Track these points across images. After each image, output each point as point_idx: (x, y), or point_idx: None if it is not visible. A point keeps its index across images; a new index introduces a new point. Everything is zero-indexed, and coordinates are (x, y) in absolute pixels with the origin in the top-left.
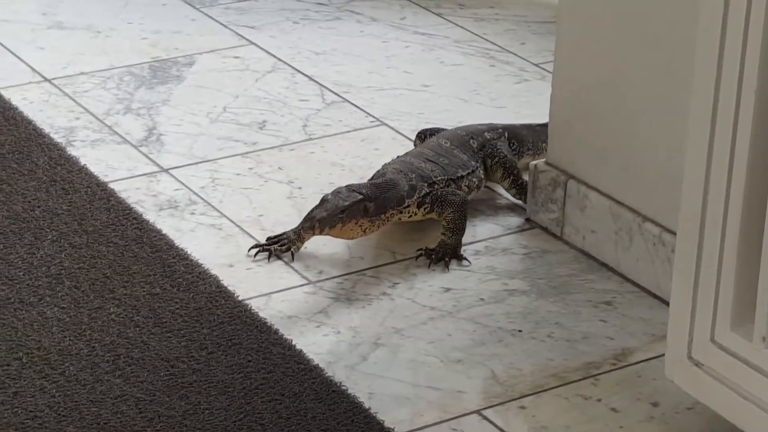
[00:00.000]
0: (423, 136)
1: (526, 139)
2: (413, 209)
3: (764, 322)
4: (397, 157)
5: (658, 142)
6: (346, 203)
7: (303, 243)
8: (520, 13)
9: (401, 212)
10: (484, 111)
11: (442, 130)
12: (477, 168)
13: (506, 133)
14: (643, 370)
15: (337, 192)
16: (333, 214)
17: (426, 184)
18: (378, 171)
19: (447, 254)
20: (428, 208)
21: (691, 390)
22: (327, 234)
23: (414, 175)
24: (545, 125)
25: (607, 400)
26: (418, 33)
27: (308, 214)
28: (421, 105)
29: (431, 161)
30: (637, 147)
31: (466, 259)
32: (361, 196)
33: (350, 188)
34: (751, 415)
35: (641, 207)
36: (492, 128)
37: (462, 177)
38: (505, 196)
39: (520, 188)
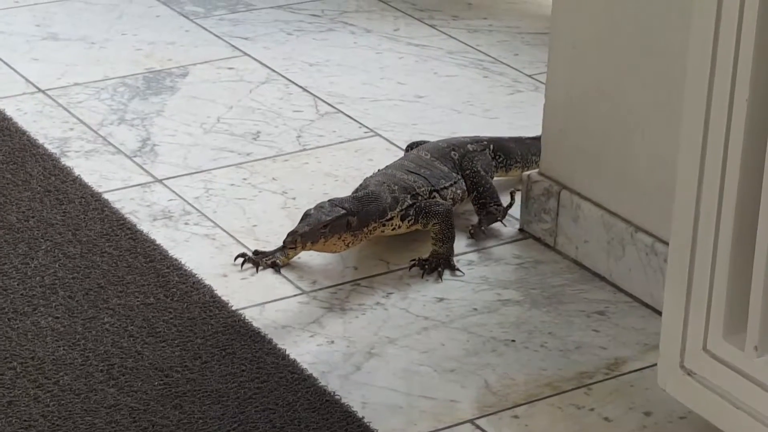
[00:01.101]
0: (411, 148)
1: (513, 151)
2: (396, 222)
3: (756, 331)
4: (379, 170)
5: (651, 153)
6: (329, 218)
7: (289, 260)
8: (514, 25)
9: (384, 225)
10: (477, 122)
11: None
12: (459, 179)
13: (491, 146)
14: (636, 379)
15: (319, 206)
16: (315, 229)
17: (409, 196)
18: (360, 184)
19: (440, 264)
20: (412, 220)
21: (684, 399)
22: (310, 249)
23: (397, 187)
24: (535, 138)
25: (600, 410)
26: (411, 44)
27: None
28: (415, 116)
29: (413, 173)
30: (630, 157)
31: (458, 269)
32: (343, 211)
33: (333, 203)
34: (743, 424)
35: (634, 217)
36: (476, 140)
37: (446, 188)
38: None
39: (480, 206)
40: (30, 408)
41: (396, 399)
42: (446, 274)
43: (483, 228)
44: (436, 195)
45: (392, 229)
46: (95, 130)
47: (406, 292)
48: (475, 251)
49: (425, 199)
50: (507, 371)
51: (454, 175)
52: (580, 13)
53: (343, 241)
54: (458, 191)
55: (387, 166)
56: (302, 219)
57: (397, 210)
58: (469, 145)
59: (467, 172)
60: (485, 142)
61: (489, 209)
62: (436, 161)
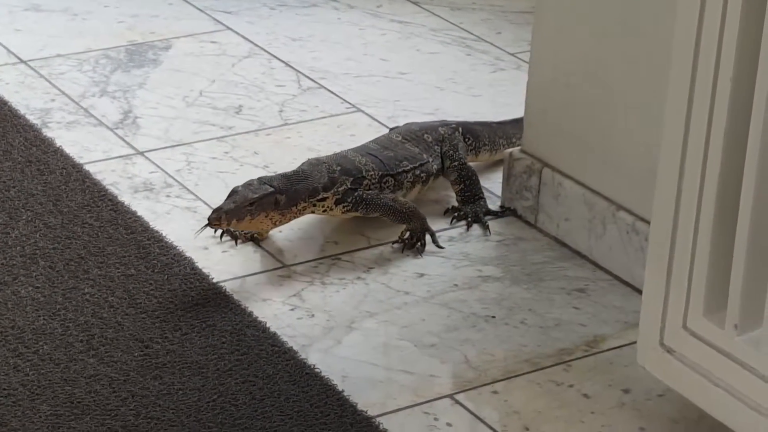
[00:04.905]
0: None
1: (481, 134)
2: (330, 203)
3: (736, 309)
4: (341, 151)
5: (633, 131)
6: (256, 195)
7: (267, 232)
8: (497, 3)
9: (315, 205)
10: (460, 99)
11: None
12: (428, 161)
13: (460, 129)
14: (615, 357)
15: (248, 184)
16: (241, 207)
17: (351, 179)
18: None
19: (419, 238)
20: (349, 207)
21: (663, 376)
22: (236, 226)
23: (339, 168)
24: (501, 123)
25: (579, 386)
26: (394, 21)
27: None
28: (398, 92)
29: (372, 155)
30: (612, 136)
31: (439, 245)
32: (271, 189)
33: (261, 180)
34: (722, 401)
35: (615, 196)
36: (445, 123)
37: (405, 171)
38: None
39: (465, 200)
40: (9, 377)
41: (375, 373)
42: (428, 248)
43: (468, 228)
44: (390, 179)
45: (323, 210)
46: (77, 102)
47: (387, 267)
48: (456, 228)
49: (372, 185)
50: (486, 347)
51: (424, 156)
52: None
53: (270, 219)
54: (422, 174)
55: (351, 148)
56: (229, 196)
57: (332, 191)
58: (440, 128)
59: (455, 163)
60: (454, 125)
61: (478, 216)
62: (407, 143)
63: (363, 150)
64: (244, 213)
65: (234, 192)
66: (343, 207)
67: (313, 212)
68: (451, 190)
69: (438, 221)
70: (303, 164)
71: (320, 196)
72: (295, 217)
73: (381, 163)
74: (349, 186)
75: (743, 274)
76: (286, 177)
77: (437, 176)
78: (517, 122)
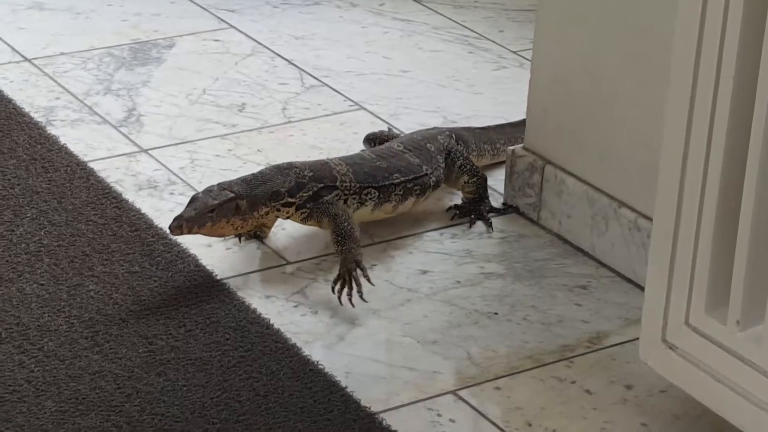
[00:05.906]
0: (370, 138)
1: (469, 140)
2: (292, 209)
3: (738, 305)
4: (326, 158)
5: (636, 128)
6: (216, 202)
7: (270, 229)
8: (499, 1)
9: (279, 210)
10: (462, 97)
11: (393, 135)
12: (426, 174)
13: (453, 135)
14: (618, 353)
15: (208, 190)
16: (202, 214)
17: (320, 186)
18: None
19: (346, 271)
20: (306, 215)
21: (665, 372)
22: (197, 233)
23: (310, 174)
24: (484, 128)
25: (582, 383)
26: (397, 19)
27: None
28: (400, 90)
29: (358, 164)
30: (614, 133)
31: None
32: (231, 195)
33: (221, 186)
34: (724, 397)
35: (617, 192)
36: (441, 132)
37: (393, 184)
38: None
39: (474, 204)
40: (15, 373)
41: (379, 369)
42: (430, 246)
43: (470, 225)
44: (373, 191)
45: (287, 216)
46: (81, 100)
47: (390, 264)
48: (458, 224)
49: (349, 195)
50: (489, 343)
51: (423, 168)
52: None
53: (232, 225)
54: (416, 187)
55: (342, 156)
56: (189, 203)
57: (297, 197)
58: (439, 137)
59: (474, 179)
60: (447, 132)
61: (481, 213)
62: (407, 153)
63: (351, 159)
64: (205, 220)
65: (194, 199)
66: (301, 213)
67: (278, 217)
68: (452, 189)
69: (440, 218)
70: (266, 167)
71: (284, 200)
72: (258, 222)
73: (365, 175)
74: (315, 192)
75: (745, 271)
76: (245, 181)
77: (437, 187)
78: (501, 127)
